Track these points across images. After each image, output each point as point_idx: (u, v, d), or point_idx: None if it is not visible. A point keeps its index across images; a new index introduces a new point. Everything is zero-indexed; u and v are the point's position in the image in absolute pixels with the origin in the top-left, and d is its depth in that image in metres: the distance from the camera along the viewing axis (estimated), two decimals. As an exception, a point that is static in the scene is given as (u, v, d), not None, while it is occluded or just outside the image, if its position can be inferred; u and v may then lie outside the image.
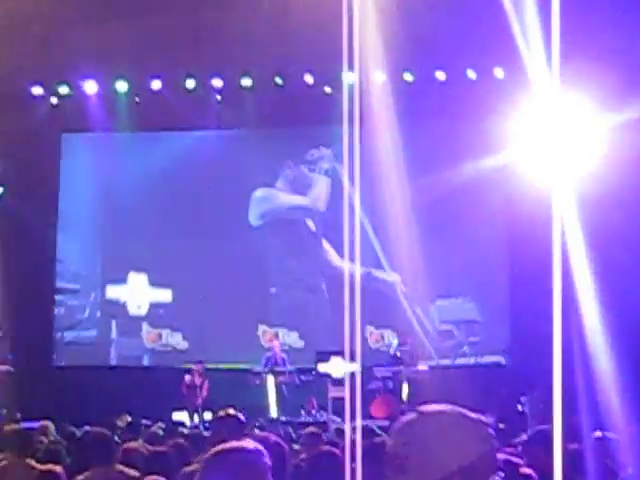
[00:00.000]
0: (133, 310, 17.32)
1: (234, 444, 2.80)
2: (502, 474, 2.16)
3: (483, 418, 2.17)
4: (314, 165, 17.28)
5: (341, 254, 16.32)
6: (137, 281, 17.26)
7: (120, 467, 5.31)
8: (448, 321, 16.53)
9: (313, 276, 17.02)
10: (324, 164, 17.20)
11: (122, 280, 17.35)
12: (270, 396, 14.75)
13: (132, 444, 5.60)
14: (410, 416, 2.11)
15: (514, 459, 4.53)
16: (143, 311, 17.28)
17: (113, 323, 17.24)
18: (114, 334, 17.19)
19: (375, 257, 16.34)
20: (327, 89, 16.27)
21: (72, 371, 16.46)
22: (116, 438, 7.43)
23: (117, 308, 17.31)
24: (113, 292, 17.36)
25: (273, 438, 4.35)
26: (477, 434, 2.07)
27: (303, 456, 5.42)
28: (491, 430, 2.13)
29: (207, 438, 5.81)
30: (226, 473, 2.69)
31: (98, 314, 17.34)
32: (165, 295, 17.17)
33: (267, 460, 2.77)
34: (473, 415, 2.12)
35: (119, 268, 17.34)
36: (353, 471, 2.59)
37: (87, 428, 8.87)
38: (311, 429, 7.34)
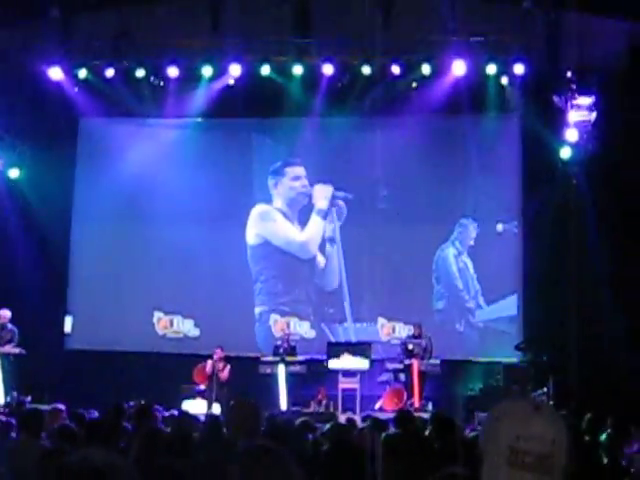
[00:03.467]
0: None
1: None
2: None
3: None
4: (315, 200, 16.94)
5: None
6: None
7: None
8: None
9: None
10: (322, 203, 16.85)
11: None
12: (280, 385, 14.70)
13: (146, 428, 5.56)
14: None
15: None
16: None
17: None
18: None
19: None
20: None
21: (83, 355, 16.43)
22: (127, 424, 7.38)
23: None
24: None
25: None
26: (560, 424, 2.15)
27: (325, 447, 5.36)
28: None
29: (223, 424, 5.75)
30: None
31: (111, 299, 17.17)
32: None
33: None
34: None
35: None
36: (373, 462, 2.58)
37: (97, 413, 8.87)
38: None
